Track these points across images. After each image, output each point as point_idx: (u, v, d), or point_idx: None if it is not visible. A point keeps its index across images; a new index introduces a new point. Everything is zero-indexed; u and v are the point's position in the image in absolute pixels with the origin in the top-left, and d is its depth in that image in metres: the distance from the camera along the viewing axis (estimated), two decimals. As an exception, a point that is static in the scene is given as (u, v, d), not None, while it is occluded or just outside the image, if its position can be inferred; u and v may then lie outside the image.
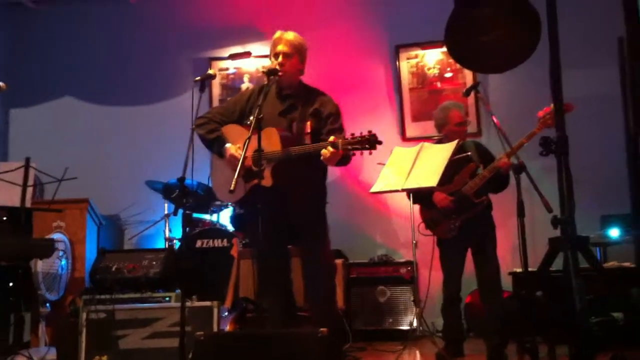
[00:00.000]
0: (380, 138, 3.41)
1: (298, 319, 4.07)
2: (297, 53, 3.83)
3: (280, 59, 3.77)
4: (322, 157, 3.44)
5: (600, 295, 4.77)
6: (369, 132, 3.40)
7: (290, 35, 3.84)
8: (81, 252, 5.44)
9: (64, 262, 5.15)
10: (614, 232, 5.07)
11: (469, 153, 4.46)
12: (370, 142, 3.37)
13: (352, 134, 3.43)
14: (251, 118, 3.44)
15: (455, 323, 4.51)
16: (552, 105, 3.92)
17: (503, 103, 4.39)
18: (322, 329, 2.70)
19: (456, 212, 4.44)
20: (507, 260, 5.46)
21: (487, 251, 4.42)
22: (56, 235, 5.20)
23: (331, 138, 3.42)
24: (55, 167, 4.50)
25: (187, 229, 3.80)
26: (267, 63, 3.96)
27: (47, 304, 5.03)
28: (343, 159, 3.58)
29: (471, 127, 6.16)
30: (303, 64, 3.90)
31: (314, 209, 3.82)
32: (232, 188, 3.13)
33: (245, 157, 3.32)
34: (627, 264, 4.96)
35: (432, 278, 4.92)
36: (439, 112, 4.66)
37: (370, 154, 3.40)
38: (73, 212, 5.49)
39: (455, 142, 4.21)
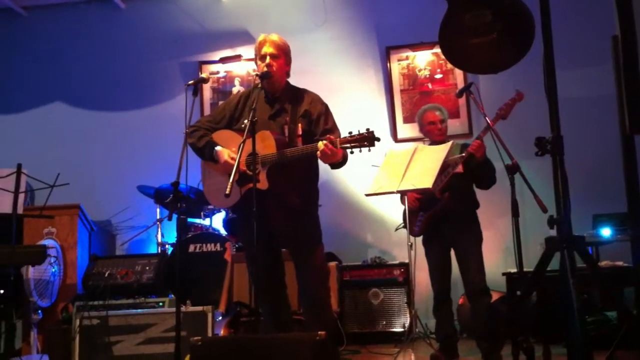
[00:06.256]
0: (373, 131, 3.40)
1: (293, 322, 4.05)
2: (283, 54, 3.81)
3: (267, 60, 3.74)
4: (318, 154, 3.43)
5: (594, 295, 4.80)
6: (367, 129, 3.38)
7: (275, 36, 3.82)
8: (72, 259, 5.39)
9: (55, 268, 5.12)
10: (606, 232, 5.08)
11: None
12: (369, 139, 3.36)
13: (350, 132, 3.42)
14: (245, 122, 3.41)
15: (446, 323, 4.50)
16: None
17: (495, 104, 4.38)
18: (320, 333, 2.69)
19: (422, 209, 4.48)
20: (500, 261, 5.49)
21: (467, 251, 4.40)
22: (47, 242, 5.17)
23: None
24: (45, 173, 4.47)
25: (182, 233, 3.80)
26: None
27: (39, 311, 4.98)
28: (341, 161, 3.58)
29: (462, 128, 6.21)
30: (289, 65, 3.88)
31: (307, 212, 3.80)
32: (227, 192, 3.11)
33: (239, 161, 3.30)
34: (619, 263, 4.98)
35: (425, 279, 4.90)
36: (417, 115, 4.79)
37: (369, 150, 3.38)
38: (64, 218, 5.44)
39: (450, 143, 4.24)
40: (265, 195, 3.49)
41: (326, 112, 3.82)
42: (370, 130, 3.38)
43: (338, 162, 3.60)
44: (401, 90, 6.48)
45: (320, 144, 3.40)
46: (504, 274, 5.19)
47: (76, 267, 5.36)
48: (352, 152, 3.45)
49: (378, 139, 3.38)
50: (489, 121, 4.17)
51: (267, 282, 3.73)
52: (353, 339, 5.33)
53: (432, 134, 4.61)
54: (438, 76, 6.41)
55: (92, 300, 4.35)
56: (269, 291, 3.77)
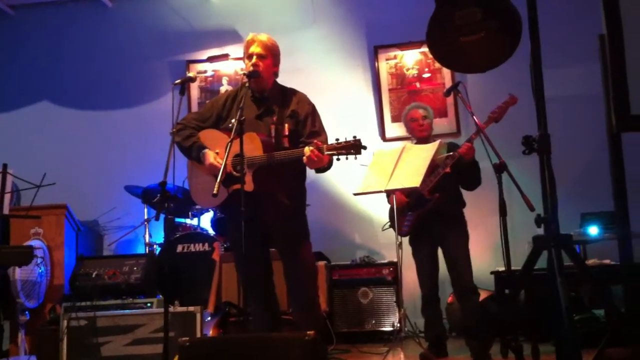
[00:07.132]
0: (360, 139, 3.39)
1: (281, 322, 4.04)
2: (271, 54, 3.78)
3: (254, 59, 3.72)
4: (304, 160, 3.42)
5: (582, 293, 4.82)
6: (354, 137, 3.38)
7: (264, 36, 3.79)
8: (60, 259, 5.34)
9: (42, 269, 5.07)
10: (594, 230, 5.10)
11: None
12: (356, 147, 3.35)
13: (337, 139, 3.41)
14: (233, 121, 3.40)
15: (435, 322, 4.51)
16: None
17: (483, 103, 4.40)
18: (309, 332, 2.68)
19: (410, 209, 4.47)
20: (488, 260, 5.49)
21: (455, 251, 4.40)
22: (34, 242, 5.12)
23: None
24: (32, 172, 4.44)
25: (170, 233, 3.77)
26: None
27: (26, 312, 4.94)
28: (326, 166, 3.57)
29: (450, 127, 6.22)
30: (277, 66, 3.85)
31: (294, 213, 3.79)
32: (215, 192, 3.10)
33: (226, 163, 3.29)
34: (607, 261, 5.01)
35: (414, 278, 4.91)
36: (402, 115, 4.82)
37: (356, 158, 3.38)
38: (50, 218, 5.38)
39: (437, 142, 4.24)
40: (254, 196, 3.48)
41: (313, 112, 3.80)
42: (357, 138, 3.38)
43: (323, 167, 3.60)
44: (389, 89, 6.49)
45: (307, 150, 3.40)
46: (492, 272, 5.20)
47: (63, 268, 5.31)
48: (338, 159, 3.45)
49: (364, 147, 3.38)
50: (477, 122, 4.17)
51: (256, 282, 3.71)
52: (342, 338, 5.33)
53: (415, 131, 4.63)
54: (426, 75, 6.42)
55: (79, 301, 4.33)
56: (258, 291, 3.76)
